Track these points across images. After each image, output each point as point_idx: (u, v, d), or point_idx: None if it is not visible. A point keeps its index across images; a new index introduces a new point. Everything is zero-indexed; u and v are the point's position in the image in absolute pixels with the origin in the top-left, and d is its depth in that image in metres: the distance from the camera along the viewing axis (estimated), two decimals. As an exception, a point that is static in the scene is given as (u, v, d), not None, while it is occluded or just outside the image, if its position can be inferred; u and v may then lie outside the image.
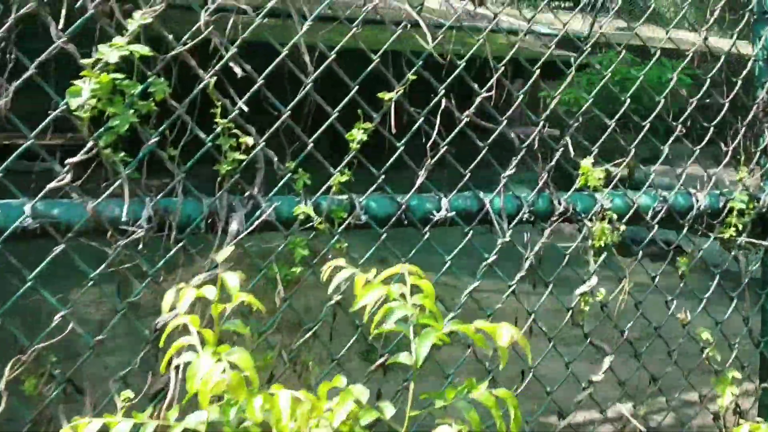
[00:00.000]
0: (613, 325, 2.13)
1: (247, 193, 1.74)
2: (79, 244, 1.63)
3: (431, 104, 1.92)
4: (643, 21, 2.67)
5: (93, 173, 1.65)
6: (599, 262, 2.07)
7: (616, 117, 2.23)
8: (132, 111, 1.58)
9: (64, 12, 1.57)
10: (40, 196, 1.55)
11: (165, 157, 1.65)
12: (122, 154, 1.61)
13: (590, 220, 2.07)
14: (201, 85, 1.67)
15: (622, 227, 2.09)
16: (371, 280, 1.45)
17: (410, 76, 1.87)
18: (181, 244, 1.65)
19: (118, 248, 1.59)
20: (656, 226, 2.19)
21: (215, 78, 1.68)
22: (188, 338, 1.37)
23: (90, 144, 1.56)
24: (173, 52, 1.64)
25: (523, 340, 1.31)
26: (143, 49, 1.58)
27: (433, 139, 1.90)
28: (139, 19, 1.58)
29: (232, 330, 1.40)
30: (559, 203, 2.04)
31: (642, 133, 2.22)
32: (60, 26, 1.56)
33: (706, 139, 2.31)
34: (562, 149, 2.06)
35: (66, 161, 1.55)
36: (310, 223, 1.76)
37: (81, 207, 1.58)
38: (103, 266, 1.60)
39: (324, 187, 1.79)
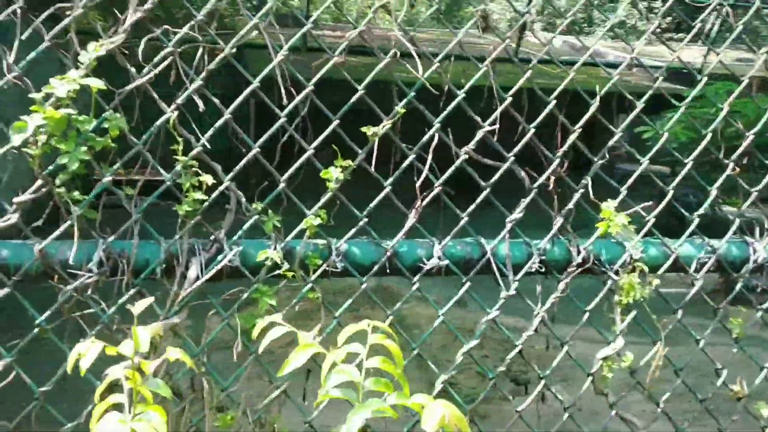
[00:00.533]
0: (646, 396, 1.82)
1: (212, 237, 1.61)
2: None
3: (427, 137, 1.73)
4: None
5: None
6: (627, 320, 1.78)
7: (737, 154, 1.98)
8: (84, 148, 1.49)
9: (16, 44, 1.52)
10: (-15, 237, 1.48)
11: (122, 196, 1.56)
12: (76, 192, 1.53)
13: (616, 272, 1.79)
14: (162, 120, 1.57)
15: (656, 281, 1.79)
16: (310, 339, 1.28)
17: (399, 109, 1.70)
18: (135, 290, 1.54)
19: (66, 293, 1.50)
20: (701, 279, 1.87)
21: (177, 112, 1.57)
22: (117, 396, 1.25)
23: (39, 182, 1.49)
24: (131, 86, 1.55)
25: (461, 421, 1.09)
26: (98, 83, 1.50)
27: (423, 176, 1.71)
28: (93, 51, 1.50)
29: (155, 391, 1.26)
30: (578, 252, 1.78)
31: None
32: (11, 58, 1.50)
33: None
34: (582, 190, 1.80)
35: (14, 200, 1.48)
36: (282, 270, 1.61)
37: (31, 248, 1.51)
38: (48, 312, 1.51)
39: (296, 230, 1.64)
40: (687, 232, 1.88)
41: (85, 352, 1.18)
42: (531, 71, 1.86)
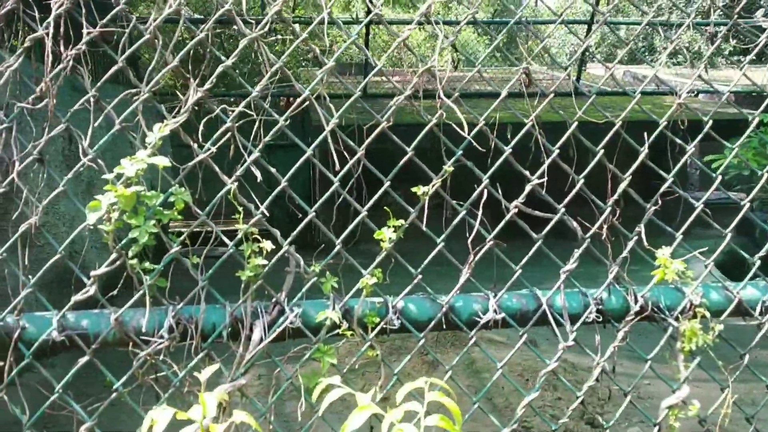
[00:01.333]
0: (717, 445, 1.77)
1: (273, 299, 1.68)
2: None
3: (475, 193, 1.78)
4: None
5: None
6: (692, 368, 1.75)
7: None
8: (153, 222, 1.61)
9: (90, 130, 1.65)
10: (66, 307, 1.60)
11: (188, 265, 1.66)
12: (147, 263, 1.63)
13: (677, 318, 1.77)
14: (223, 191, 1.67)
15: (719, 327, 1.76)
16: (368, 401, 1.33)
17: (447, 168, 1.75)
18: (204, 353, 1.63)
19: (140, 359, 1.59)
20: None
21: (237, 183, 1.67)
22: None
23: (114, 255, 1.60)
24: (193, 162, 1.66)
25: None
26: (164, 161, 1.62)
27: (475, 231, 1.75)
28: (157, 132, 1.62)
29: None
30: (636, 300, 1.77)
31: None
32: (87, 143, 1.64)
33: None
34: (637, 235, 1.80)
35: (92, 273, 1.60)
36: (341, 330, 1.67)
37: (108, 317, 1.62)
38: (125, 377, 1.60)
39: (353, 290, 1.70)
40: (749, 275, 1.85)
41: (158, 418, 1.26)
42: (586, 103, 1.89)
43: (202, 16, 11.83)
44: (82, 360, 1.59)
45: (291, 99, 14.97)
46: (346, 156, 1.79)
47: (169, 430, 1.35)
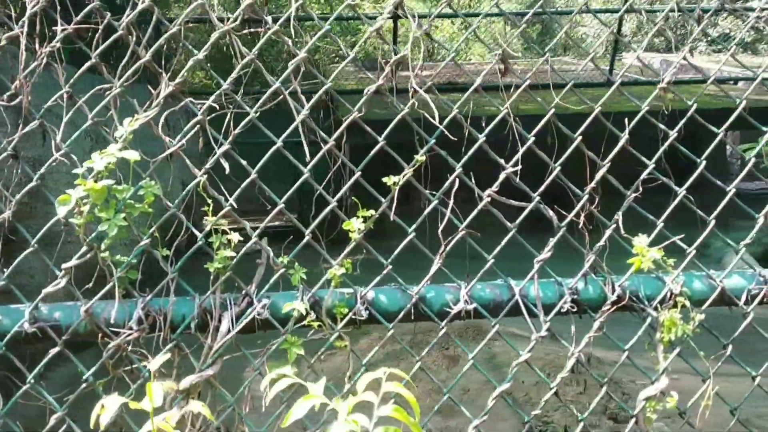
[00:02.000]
0: (700, 437, 1.72)
1: (243, 291, 1.69)
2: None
3: (446, 185, 1.75)
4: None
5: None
6: (670, 359, 1.71)
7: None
8: (122, 215, 1.62)
9: (62, 126, 1.68)
10: (38, 299, 1.63)
11: (159, 257, 1.67)
12: (118, 256, 1.66)
13: (656, 308, 1.72)
14: (193, 184, 1.68)
15: (701, 316, 1.71)
16: (318, 390, 1.32)
17: (419, 158, 1.74)
18: (172, 344, 1.64)
19: (109, 350, 1.62)
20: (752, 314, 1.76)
21: (206, 176, 1.68)
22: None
23: (85, 248, 1.63)
24: (163, 155, 1.68)
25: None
26: (134, 156, 1.63)
27: (446, 220, 1.72)
28: (128, 126, 1.64)
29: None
30: (613, 289, 1.73)
31: None
32: (59, 137, 1.67)
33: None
34: (614, 225, 1.75)
35: (63, 265, 1.63)
36: (311, 320, 1.66)
37: (80, 310, 1.64)
38: (95, 367, 1.63)
39: (322, 280, 1.70)
40: (733, 262, 1.79)
41: (108, 406, 1.27)
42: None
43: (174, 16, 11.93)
44: (53, 351, 1.61)
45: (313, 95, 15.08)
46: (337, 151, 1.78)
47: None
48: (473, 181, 1.75)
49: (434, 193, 1.76)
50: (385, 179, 1.74)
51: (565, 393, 5.86)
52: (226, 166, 1.70)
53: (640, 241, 1.71)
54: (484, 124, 1.78)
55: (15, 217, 1.71)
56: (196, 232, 1.70)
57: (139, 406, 1.31)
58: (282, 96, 1.79)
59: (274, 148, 1.72)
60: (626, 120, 1.83)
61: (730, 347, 1.77)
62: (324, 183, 1.85)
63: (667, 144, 1.81)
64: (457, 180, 1.75)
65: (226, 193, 1.70)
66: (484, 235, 1.79)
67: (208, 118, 1.72)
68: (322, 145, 1.78)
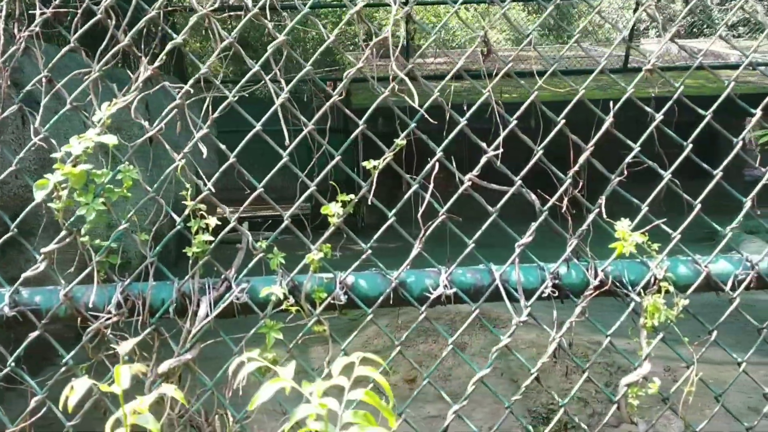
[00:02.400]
0: (684, 426, 1.70)
1: (223, 276, 1.69)
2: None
3: (427, 166, 1.74)
4: None
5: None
6: (654, 344, 1.68)
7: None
8: (101, 200, 1.63)
9: (41, 109, 1.68)
10: (18, 283, 1.64)
11: (138, 241, 1.68)
12: (98, 240, 1.66)
13: (639, 294, 1.69)
14: (171, 168, 1.68)
15: (685, 301, 1.68)
16: (287, 374, 1.32)
17: (399, 141, 1.72)
18: (151, 328, 1.65)
19: (89, 334, 1.62)
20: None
21: (184, 160, 1.68)
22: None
23: (64, 233, 1.63)
24: (142, 139, 1.67)
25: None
26: (112, 140, 1.63)
27: (426, 203, 1.71)
28: (105, 110, 1.64)
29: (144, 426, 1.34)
30: (596, 274, 1.70)
31: None
32: (38, 122, 1.67)
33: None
34: (597, 209, 1.73)
35: (42, 250, 1.63)
36: (288, 305, 1.66)
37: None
38: (74, 350, 1.64)
39: (300, 265, 1.69)
40: (719, 247, 1.76)
41: (77, 388, 1.28)
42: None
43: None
44: (33, 334, 1.62)
45: (336, 82, 15.04)
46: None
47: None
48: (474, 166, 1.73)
49: (414, 177, 1.74)
50: (364, 163, 1.73)
51: (572, 381, 5.84)
52: (204, 150, 1.69)
53: (623, 225, 1.68)
54: (465, 108, 1.75)
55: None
56: (175, 217, 1.70)
57: (110, 389, 1.31)
58: (277, 84, 1.78)
59: (252, 131, 1.72)
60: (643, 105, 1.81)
61: (715, 333, 1.74)
62: (314, 168, 1.84)
63: (652, 127, 1.78)
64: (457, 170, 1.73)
65: (204, 178, 1.69)
66: (482, 221, 1.76)
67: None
68: (303, 129, 1.77)
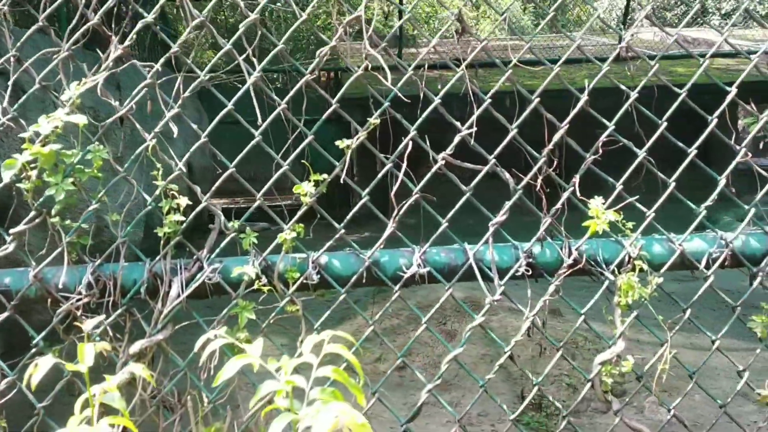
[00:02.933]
0: (659, 402, 1.70)
1: (195, 256, 1.68)
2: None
3: (402, 145, 1.73)
4: None
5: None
6: (628, 323, 1.68)
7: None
8: (70, 180, 1.61)
9: (9, 89, 1.67)
10: (-12, 265, 1.63)
11: (109, 221, 1.67)
12: (68, 221, 1.65)
13: (613, 272, 1.69)
14: (142, 148, 1.67)
15: (659, 279, 1.68)
16: (254, 350, 1.31)
17: (373, 120, 1.71)
18: (123, 309, 1.64)
19: (59, 314, 1.61)
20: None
21: (155, 140, 1.67)
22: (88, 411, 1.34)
23: (33, 213, 1.62)
24: (112, 118, 1.66)
25: (364, 428, 1.07)
26: (81, 120, 1.62)
27: (398, 184, 1.70)
28: (75, 90, 1.63)
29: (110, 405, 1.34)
30: (569, 253, 1.70)
31: None
32: (5, 102, 1.65)
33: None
34: (572, 188, 1.72)
35: (11, 230, 1.62)
36: (260, 285, 1.65)
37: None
38: (44, 332, 1.63)
39: (273, 245, 1.68)
40: (692, 225, 1.75)
41: (41, 365, 1.27)
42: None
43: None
44: (2, 315, 1.62)
45: (332, 74, 14.96)
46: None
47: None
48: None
49: (388, 156, 1.74)
50: (338, 142, 1.72)
51: (560, 367, 5.85)
52: (175, 130, 1.68)
53: (596, 203, 1.68)
54: (440, 86, 1.75)
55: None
56: (146, 197, 1.69)
57: (75, 368, 1.30)
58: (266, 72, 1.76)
59: (224, 111, 1.71)
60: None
61: (689, 311, 1.74)
62: (281, 150, 1.83)
63: (626, 106, 1.77)
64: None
65: (175, 158, 1.68)
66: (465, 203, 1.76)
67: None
68: (276, 107, 1.76)
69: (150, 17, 1.72)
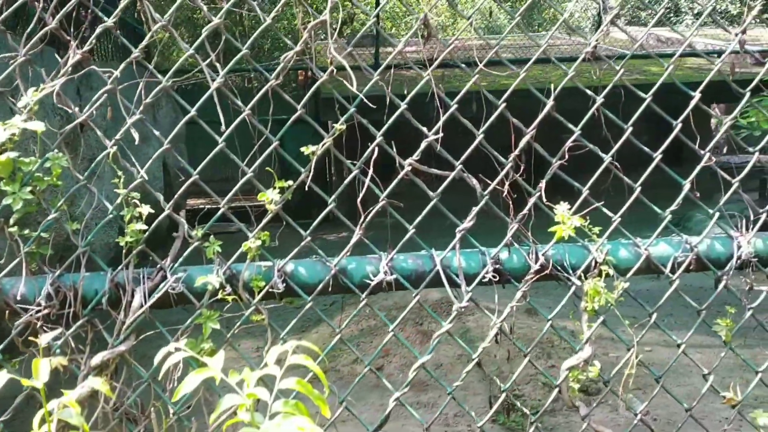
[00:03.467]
0: (625, 407, 1.71)
1: (158, 265, 1.65)
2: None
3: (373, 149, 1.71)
4: None
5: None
6: (594, 328, 1.68)
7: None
8: (29, 188, 1.58)
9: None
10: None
11: (69, 231, 1.63)
12: (26, 230, 1.61)
13: (580, 277, 1.70)
14: (102, 155, 1.64)
15: (625, 284, 1.68)
16: (215, 363, 1.29)
17: (338, 126, 1.69)
18: (84, 320, 1.61)
19: (18, 327, 1.58)
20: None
21: (115, 147, 1.63)
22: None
23: (-9, 222, 1.58)
24: (71, 125, 1.63)
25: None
26: (38, 127, 1.58)
27: (366, 186, 1.69)
28: (31, 96, 1.59)
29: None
30: (536, 258, 1.70)
31: None
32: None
33: None
34: (538, 193, 1.72)
35: (-32, 241, 1.58)
36: (224, 294, 1.63)
37: (-10, 286, 1.60)
38: (4, 343, 1.59)
39: (237, 253, 1.66)
40: (658, 230, 1.76)
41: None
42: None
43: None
44: (-39, 328, 1.58)
45: (309, 73, 14.91)
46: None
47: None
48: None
49: (355, 163, 1.72)
50: (303, 148, 1.70)
51: (537, 365, 5.86)
52: (136, 137, 1.65)
53: (562, 208, 1.68)
54: (406, 92, 1.73)
55: None
56: (108, 205, 1.66)
57: (29, 383, 1.27)
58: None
59: (187, 116, 1.68)
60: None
61: (654, 315, 1.75)
62: (250, 157, 1.81)
63: (591, 111, 1.78)
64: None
65: (137, 165, 1.65)
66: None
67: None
68: (241, 112, 1.74)
69: (110, 21, 1.69)
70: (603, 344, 5.40)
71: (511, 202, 1.74)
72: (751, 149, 1.98)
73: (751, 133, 7.90)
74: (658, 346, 5.64)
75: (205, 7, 1.73)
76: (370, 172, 1.70)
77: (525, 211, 1.72)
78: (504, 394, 1.74)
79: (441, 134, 1.71)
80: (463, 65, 1.84)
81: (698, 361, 1.88)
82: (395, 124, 1.76)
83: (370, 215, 1.69)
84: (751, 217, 1.78)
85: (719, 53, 2.07)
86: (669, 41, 17.48)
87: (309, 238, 1.69)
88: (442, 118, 1.73)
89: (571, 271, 1.71)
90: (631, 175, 1.77)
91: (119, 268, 1.64)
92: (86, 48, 1.66)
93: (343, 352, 5.84)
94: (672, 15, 24.17)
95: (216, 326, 1.63)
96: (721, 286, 1.74)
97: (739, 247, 1.75)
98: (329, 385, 1.44)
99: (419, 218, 1.70)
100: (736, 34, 1.90)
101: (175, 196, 1.67)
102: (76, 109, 1.66)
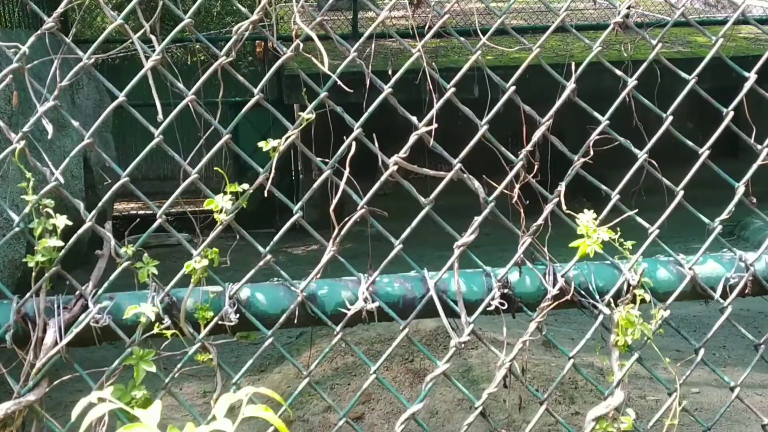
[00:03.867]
0: (665, 467, 1.72)
1: (77, 292, 1.64)
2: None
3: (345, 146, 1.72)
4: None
5: None
6: (627, 368, 1.69)
7: None
8: None
9: None
10: None
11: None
12: None
13: (609, 304, 1.70)
14: (8, 151, 1.62)
15: (665, 312, 1.69)
16: (149, 417, 1.28)
17: (305, 115, 1.70)
18: (-18, 362, 1.59)
19: None
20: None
21: (23, 142, 1.62)
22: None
23: None
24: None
25: None
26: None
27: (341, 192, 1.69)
28: None
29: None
30: (555, 281, 1.71)
31: None
32: None
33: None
34: (556, 198, 1.73)
35: None
36: (161, 328, 1.62)
37: None
38: None
39: (178, 276, 1.65)
40: (706, 243, 1.77)
41: None
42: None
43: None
44: None
45: (270, 44, 14.91)
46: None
47: None
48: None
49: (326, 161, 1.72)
50: (261, 143, 1.70)
51: (558, 412, 5.88)
52: (50, 129, 1.64)
53: (586, 218, 1.69)
54: (390, 73, 1.74)
55: None
56: (14, 216, 1.64)
57: None
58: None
59: (115, 103, 1.67)
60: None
61: (702, 351, 1.76)
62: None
63: (624, 93, 1.79)
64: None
65: (50, 164, 1.64)
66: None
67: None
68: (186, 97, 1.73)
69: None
70: (639, 384, 5.41)
71: (522, 210, 1.74)
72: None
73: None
74: (707, 387, 5.66)
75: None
76: (346, 172, 1.70)
77: (540, 221, 1.72)
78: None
79: (435, 125, 1.71)
80: (462, 38, 1.85)
81: (757, 406, 1.90)
82: (378, 110, 1.75)
83: (346, 227, 1.69)
84: None
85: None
86: (719, 4, 17.67)
87: (269, 256, 1.67)
88: (437, 105, 1.72)
89: (597, 297, 1.70)
90: (671, 174, 1.78)
91: (27, 294, 1.62)
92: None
93: (313, 398, 5.78)
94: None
95: (151, 368, 1.61)
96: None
97: (808, 267, 1.77)
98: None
99: (407, 231, 1.70)
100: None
101: (100, 203, 1.66)
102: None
